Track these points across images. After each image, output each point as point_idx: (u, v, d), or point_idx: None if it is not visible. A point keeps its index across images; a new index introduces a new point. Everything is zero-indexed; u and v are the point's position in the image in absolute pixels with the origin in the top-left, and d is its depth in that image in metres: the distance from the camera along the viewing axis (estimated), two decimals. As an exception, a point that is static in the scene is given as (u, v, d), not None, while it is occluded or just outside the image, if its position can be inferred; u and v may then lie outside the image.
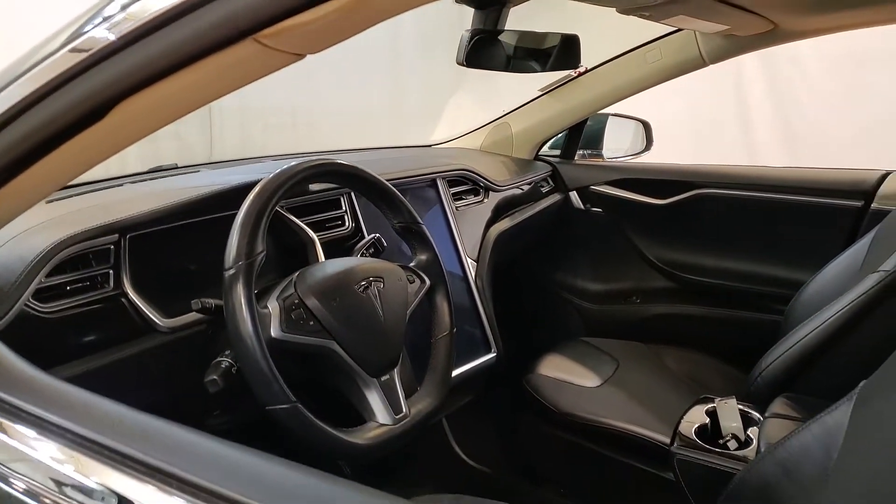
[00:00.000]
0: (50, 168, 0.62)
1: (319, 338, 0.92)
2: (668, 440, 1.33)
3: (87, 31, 0.53)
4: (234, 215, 1.06)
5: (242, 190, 1.10)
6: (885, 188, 1.66)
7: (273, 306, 0.91)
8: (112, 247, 0.95)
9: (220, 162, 1.58)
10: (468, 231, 1.57)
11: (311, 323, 0.92)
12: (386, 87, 3.79)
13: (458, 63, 1.48)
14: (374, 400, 0.95)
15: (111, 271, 0.94)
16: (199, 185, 1.10)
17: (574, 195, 2.01)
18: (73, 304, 0.91)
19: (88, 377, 0.88)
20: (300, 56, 0.55)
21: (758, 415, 1.18)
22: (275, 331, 0.89)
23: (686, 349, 1.75)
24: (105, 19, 0.51)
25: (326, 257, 1.13)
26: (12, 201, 0.65)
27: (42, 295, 0.88)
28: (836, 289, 1.44)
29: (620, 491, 1.40)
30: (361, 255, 1.18)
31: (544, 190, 1.93)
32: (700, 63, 1.70)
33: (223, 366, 0.93)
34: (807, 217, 1.74)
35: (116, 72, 0.52)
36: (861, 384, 0.84)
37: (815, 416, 0.88)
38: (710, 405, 1.23)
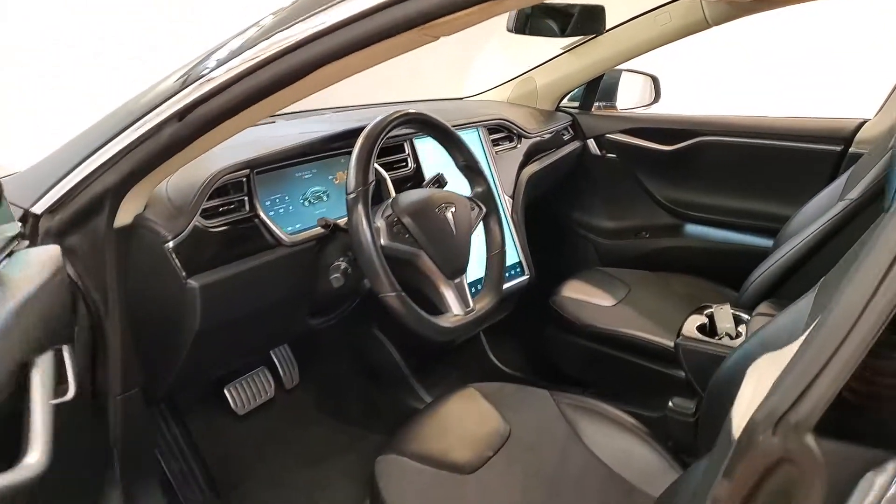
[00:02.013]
0: (262, 107, 0.88)
1: (413, 247, 1.20)
2: (672, 343, 1.63)
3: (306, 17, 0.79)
4: (332, 156, 1.34)
5: (342, 136, 1.38)
6: (861, 134, 1.92)
7: (381, 223, 1.19)
8: (244, 180, 1.21)
9: (290, 113, 1.83)
10: (504, 172, 1.83)
11: (406, 236, 1.20)
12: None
13: (508, 30, 1.75)
14: (450, 296, 1.24)
15: (246, 198, 1.21)
16: (304, 132, 1.37)
17: (591, 142, 2.27)
18: (224, 223, 1.17)
19: (233, 280, 1.16)
20: (437, 38, 0.82)
21: (747, 315, 1.48)
22: (383, 240, 1.17)
23: (689, 276, 2.04)
24: (317, 13, 0.78)
25: (396, 191, 1.41)
26: (234, 126, 0.91)
27: (204, 214, 1.14)
28: (811, 219, 1.72)
29: (633, 387, 1.70)
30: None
31: (566, 138, 2.19)
32: (704, 25, 1.94)
33: (342, 268, 1.23)
34: (794, 160, 2.01)
35: (322, 49, 0.78)
36: (822, 278, 1.12)
37: (783, 310, 1.17)
38: (707, 311, 1.52)
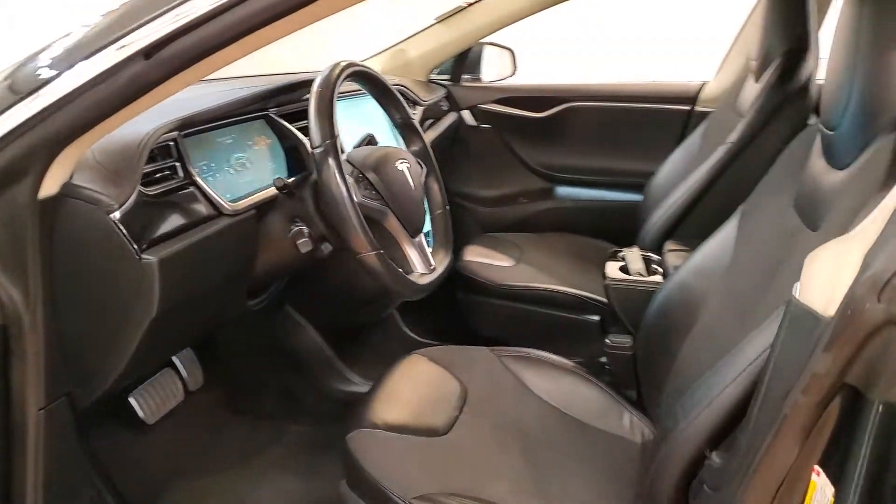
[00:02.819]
0: (206, 65, 0.77)
1: (380, 204, 1.14)
2: (583, 293, 1.72)
3: None
4: (251, 119, 1.23)
5: (259, 97, 1.27)
6: (703, 95, 2.16)
7: (349, 179, 1.10)
8: (172, 144, 1.06)
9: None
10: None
11: (373, 192, 1.13)
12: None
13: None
14: (414, 255, 1.20)
15: (177, 164, 1.07)
16: (227, 91, 1.24)
17: (466, 113, 2.31)
18: (163, 190, 1.02)
19: (186, 254, 1.01)
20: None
21: (655, 255, 1.60)
22: (356, 196, 1.10)
23: (569, 234, 2.17)
24: None
25: None
26: (176, 86, 0.79)
27: (142, 181, 0.98)
28: (680, 170, 1.91)
29: (550, 338, 1.76)
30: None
31: (444, 108, 2.20)
32: (568, -6, 2.05)
33: (306, 231, 1.13)
34: (650, 120, 2.21)
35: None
36: (740, 206, 1.25)
37: (705, 240, 1.28)
38: (619, 255, 1.63)
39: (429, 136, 2.00)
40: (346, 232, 1.05)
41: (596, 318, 1.71)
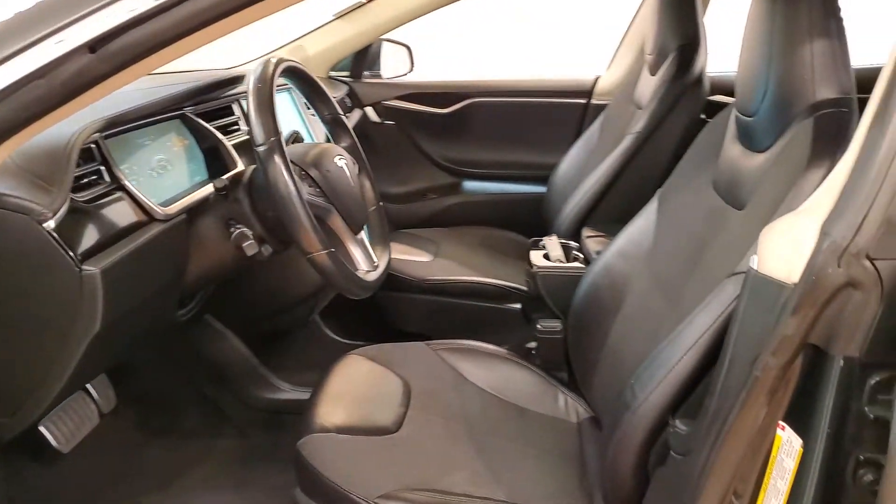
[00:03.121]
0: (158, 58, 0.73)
1: (324, 201, 1.11)
2: (504, 282, 1.76)
3: None
4: (168, 118, 1.17)
5: (195, 92, 1.20)
6: (598, 88, 2.27)
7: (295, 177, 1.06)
8: (94, 146, 0.98)
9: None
10: (319, 137, 1.76)
11: (317, 190, 1.10)
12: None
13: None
14: (358, 253, 1.18)
15: (102, 168, 0.99)
16: (144, 89, 1.15)
17: (370, 110, 2.29)
18: (92, 196, 0.94)
19: (125, 264, 0.94)
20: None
21: (574, 242, 1.67)
22: (304, 193, 1.06)
23: (478, 227, 2.21)
24: None
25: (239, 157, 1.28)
26: (125, 79, 0.73)
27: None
28: (582, 162, 2.01)
29: (474, 328, 1.79)
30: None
31: (348, 104, 2.17)
32: (467, -8, 2.09)
33: (249, 234, 1.08)
34: (550, 114, 2.30)
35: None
36: (657, 191, 1.33)
37: (626, 225, 1.36)
38: (540, 244, 1.68)
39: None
40: (297, 231, 1.02)
41: (517, 305, 1.76)
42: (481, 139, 2.33)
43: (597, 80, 2.28)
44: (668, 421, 0.87)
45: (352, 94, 2.25)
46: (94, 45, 0.67)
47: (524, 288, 1.73)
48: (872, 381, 0.60)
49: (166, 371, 1.60)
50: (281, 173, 1.00)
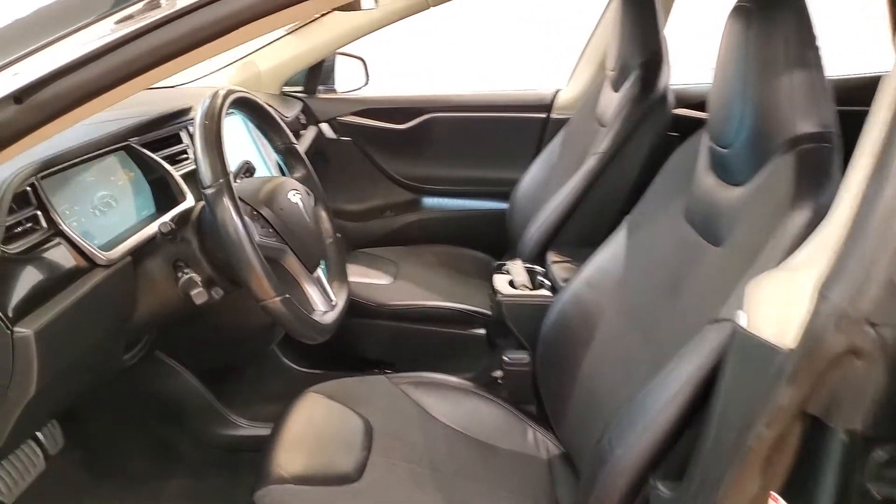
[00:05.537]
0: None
1: (278, 241, 1.04)
2: (467, 307, 1.71)
3: None
4: (112, 151, 1.09)
5: (143, 129, 1.12)
6: (557, 102, 2.24)
7: (246, 219, 0.98)
8: (29, 189, 0.90)
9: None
10: (270, 159, 1.68)
11: (270, 230, 1.02)
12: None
13: None
14: (314, 293, 1.11)
15: (38, 212, 0.90)
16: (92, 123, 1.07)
17: (325, 126, 2.21)
18: (25, 246, 0.86)
19: (62, 319, 0.86)
20: None
21: (539, 267, 1.62)
22: (255, 236, 0.99)
23: (438, 245, 2.16)
24: None
25: (188, 188, 1.20)
26: (53, 130, 0.66)
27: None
28: (544, 178, 1.97)
29: (437, 355, 1.74)
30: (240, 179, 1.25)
31: (302, 121, 2.09)
32: (424, 6, 2.03)
33: (197, 279, 0.99)
34: (509, 129, 2.25)
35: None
36: (626, 217, 1.29)
37: (592, 254, 1.32)
38: (504, 268, 1.63)
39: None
40: (248, 278, 0.95)
41: (482, 331, 1.71)
42: (440, 155, 2.28)
43: (556, 93, 2.25)
44: (647, 477, 0.83)
45: (306, 110, 2.17)
46: (19, 96, 0.60)
47: (488, 312, 1.68)
48: (878, 457, 0.57)
49: (116, 410, 1.50)
50: (231, 217, 0.93)
